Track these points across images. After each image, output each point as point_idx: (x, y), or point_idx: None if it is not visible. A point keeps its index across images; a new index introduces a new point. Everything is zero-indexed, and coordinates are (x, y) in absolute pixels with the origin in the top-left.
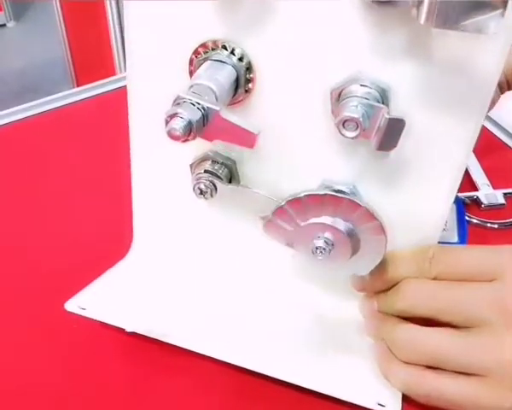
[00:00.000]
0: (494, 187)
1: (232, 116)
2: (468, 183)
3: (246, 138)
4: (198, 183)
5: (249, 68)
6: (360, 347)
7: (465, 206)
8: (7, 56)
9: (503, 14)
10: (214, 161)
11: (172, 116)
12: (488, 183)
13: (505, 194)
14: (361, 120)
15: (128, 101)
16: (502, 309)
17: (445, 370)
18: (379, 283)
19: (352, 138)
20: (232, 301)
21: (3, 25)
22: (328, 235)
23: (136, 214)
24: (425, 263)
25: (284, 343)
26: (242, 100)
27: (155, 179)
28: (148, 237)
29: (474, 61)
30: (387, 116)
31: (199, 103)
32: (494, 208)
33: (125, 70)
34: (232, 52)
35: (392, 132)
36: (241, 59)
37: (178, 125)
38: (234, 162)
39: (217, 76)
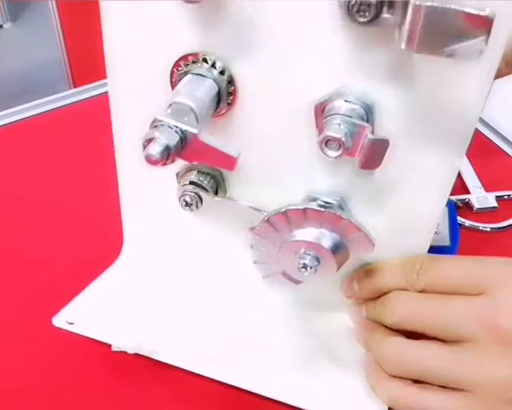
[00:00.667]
0: (486, 190)
1: (211, 139)
2: (460, 186)
3: (225, 161)
4: (183, 195)
5: (231, 81)
6: (348, 360)
7: (457, 209)
8: (3, 57)
9: (486, 42)
10: (200, 172)
11: (149, 141)
12: (480, 186)
13: (497, 197)
14: (343, 139)
15: (111, 110)
16: (489, 325)
17: (432, 384)
18: (367, 292)
19: (335, 158)
20: (220, 314)
21: (0, 26)
22: (312, 252)
23: (125, 223)
24: (412, 275)
25: (273, 359)
26: (226, 112)
27: (142, 189)
28: (137, 246)
29: (458, 84)
30: (370, 137)
31: (176, 126)
32: (486, 211)
33: None
34: (213, 65)
35: (375, 152)
36: (222, 72)
37: (155, 150)
38: (220, 173)
39: (197, 92)
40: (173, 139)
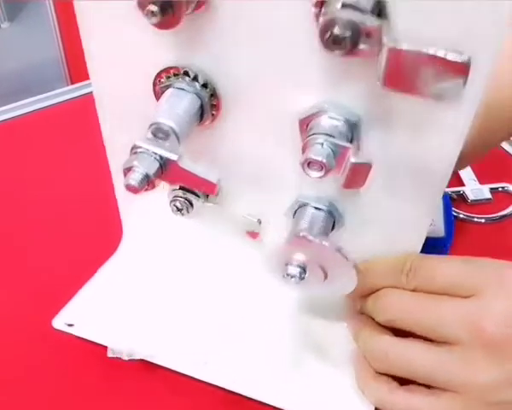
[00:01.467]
0: (480, 182)
1: (191, 165)
2: (454, 178)
3: (206, 186)
4: (174, 200)
5: (214, 94)
6: (339, 359)
7: (452, 201)
8: (1, 57)
9: (464, 83)
10: None
11: (129, 169)
12: (475, 178)
13: (491, 189)
14: (325, 161)
15: (99, 116)
16: (475, 328)
17: (419, 384)
18: (360, 290)
19: (318, 178)
20: (214, 315)
21: None
22: (300, 263)
23: (124, 220)
24: (402, 276)
25: (267, 361)
26: (211, 123)
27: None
28: (135, 242)
29: (437, 122)
30: (352, 160)
31: (156, 153)
32: (481, 203)
33: None
34: (195, 78)
35: (358, 174)
36: (204, 85)
37: (135, 179)
38: None
39: (178, 110)
40: (153, 167)
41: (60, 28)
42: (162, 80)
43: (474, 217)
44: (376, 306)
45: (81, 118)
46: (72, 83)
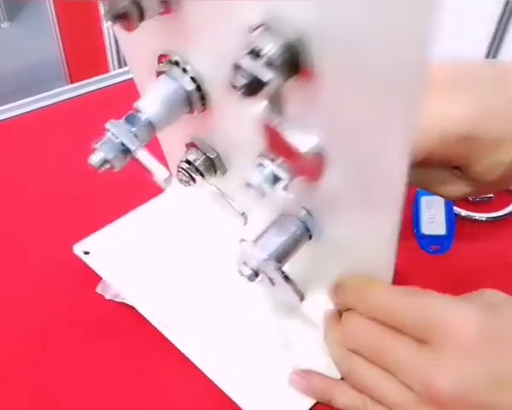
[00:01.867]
0: None
1: (145, 157)
2: None
3: (157, 178)
4: (179, 170)
5: (200, 87)
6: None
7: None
8: (2, 57)
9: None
10: (199, 150)
11: (93, 150)
12: None
13: None
14: (257, 187)
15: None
16: (426, 384)
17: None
18: (336, 306)
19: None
20: (206, 292)
21: None
22: (254, 267)
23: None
24: (361, 302)
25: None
26: (202, 112)
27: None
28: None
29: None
30: (281, 193)
31: (117, 138)
32: (482, 202)
33: (118, 68)
34: (184, 70)
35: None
36: (193, 78)
37: (94, 160)
38: (217, 154)
39: (160, 97)
40: (112, 153)
41: (60, 28)
42: (161, 65)
43: (475, 215)
44: (344, 329)
45: (81, 117)
46: (72, 82)
